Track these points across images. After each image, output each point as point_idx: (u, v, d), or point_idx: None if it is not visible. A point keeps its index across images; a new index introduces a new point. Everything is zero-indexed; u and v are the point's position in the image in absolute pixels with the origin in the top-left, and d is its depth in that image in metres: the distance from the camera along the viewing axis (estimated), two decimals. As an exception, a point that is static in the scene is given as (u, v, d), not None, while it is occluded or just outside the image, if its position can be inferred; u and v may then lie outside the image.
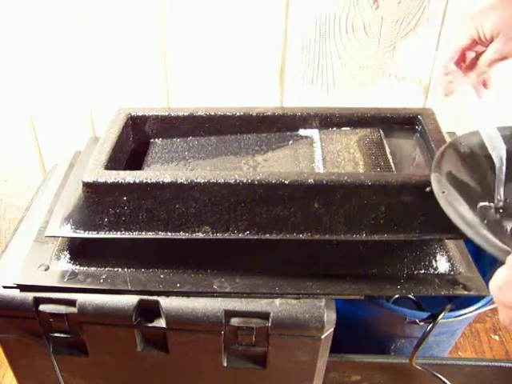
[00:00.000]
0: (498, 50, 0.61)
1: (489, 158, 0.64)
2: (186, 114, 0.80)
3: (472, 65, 0.66)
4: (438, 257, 0.70)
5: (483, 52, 0.64)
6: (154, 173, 0.65)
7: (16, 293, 0.69)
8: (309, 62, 0.98)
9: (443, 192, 0.55)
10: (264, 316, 0.67)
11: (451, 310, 0.73)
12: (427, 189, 0.61)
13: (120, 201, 0.65)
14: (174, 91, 1.02)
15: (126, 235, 0.67)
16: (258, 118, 0.80)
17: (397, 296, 0.87)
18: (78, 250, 0.71)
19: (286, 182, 0.64)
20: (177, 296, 0.68)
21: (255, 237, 0.66)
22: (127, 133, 0.79)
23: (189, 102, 1.03)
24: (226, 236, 0.66)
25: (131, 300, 0.68)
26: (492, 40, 0.62)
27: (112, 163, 0.70)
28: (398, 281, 0.69)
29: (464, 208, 0.54)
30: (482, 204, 0.61)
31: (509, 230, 0.60)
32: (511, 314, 0.45)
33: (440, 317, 0.71)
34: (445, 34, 0.93)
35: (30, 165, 1.14)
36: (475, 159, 0.64)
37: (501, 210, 0.62)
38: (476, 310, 0.76)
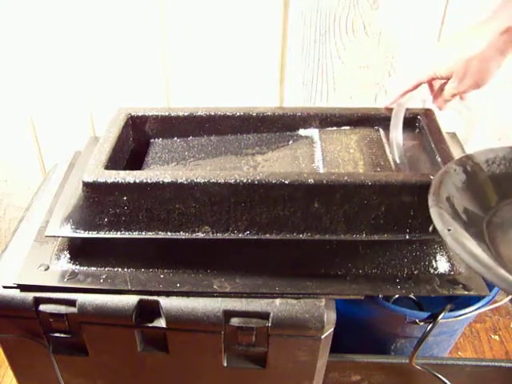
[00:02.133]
0: (455, 88, 0.68)
1: (487, 179, 0.62)
2: (186, 113, 0.80)
3: (439, 92, 0.73)
4: (438, 257, 0.70)
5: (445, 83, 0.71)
6: (154, 173, 0.65)
7: (16, 293, 0.68)
8: (309, 62, 0.98)
9: (449, 230, 0.51)
10: (264, 316, 0.67)
11: (451, 310, 0.73)
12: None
13: (120, 201, 0.65)
14: (173, 91, 1.02)
15: (126, 235, 0.67)
16: (258, 117, 0.80)
17: (397, 296, 0.87)
18: (78, 250, 0.71)
19: (286, 182, 0.64)
20: (177, 296, 0.68)
21: (255, 237, 0.66)
22: (127, 133, 0.79)
23: (189, 102, 1.03)
24: (226, 236, 0.66)
25: (131, 300, 0.68)
26: (448, 77, 0.68)
27: (112, 163, 0.70)
28: (397, 281, 0.69)
29: (473, 244, 0.51)
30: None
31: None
32: None
33: (440, 317, 0.71)
34: (444, 35, 0.93)
35: (30, 165, 1.14)
36: (472, 183, 0.60)
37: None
38: (476, 309, 0.76)
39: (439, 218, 0.53)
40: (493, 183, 0.61)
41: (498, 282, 0.46)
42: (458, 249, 0.50)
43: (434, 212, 0.54)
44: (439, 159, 0.69)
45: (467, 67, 0.65)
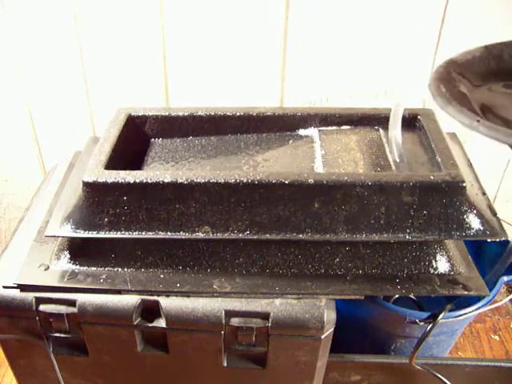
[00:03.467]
0: None
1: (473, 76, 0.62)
2: (186, 113, 0.80)
3: None
4: (438, 257, 0.70)
5: None
6: (154, 173, 0.65)
7: (16, 293, 0.69)
8: (309, 62, 0.98)
9: (478, 121, 0.50)
10: (264, 316, 0.67)
11: (451, 310, 0.73)
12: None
13: (120, 201, 0.65)
14: (173, 91, 1.02)
15: (126, 235, 0.67)
16: (257, 117, 0.80)
17: (397, 296, 0.87)
18: (78, 250, 0.71)
19: (286, 182, 0.64)
20: (177, 296, 0.68)
21: (255, 237, 0.66)
22: (127, 133, 0.79)
23: (189, 101, 1.03)
24: (226, 236, 0.66)
25: (131, 300, 0.68)
26: None
27: (112, 163, 0.70)
28: (397, 281, 0.69)
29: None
30: None
31: None
32: None
33: (440, 317, 0.71)
34: (444, 35, 0.93)
35: (30, 165, 1.14)
36: (463, 79, 0.61)
37: None
38: (476, 309, 0.76)
39: (463, 113, 0.52)
40: (479, 77, 0.62)
41: None
42: (497, 133, 0.48)
43: (454, 111, 0.53)
44: (439, 159, 0.69)
45: None
